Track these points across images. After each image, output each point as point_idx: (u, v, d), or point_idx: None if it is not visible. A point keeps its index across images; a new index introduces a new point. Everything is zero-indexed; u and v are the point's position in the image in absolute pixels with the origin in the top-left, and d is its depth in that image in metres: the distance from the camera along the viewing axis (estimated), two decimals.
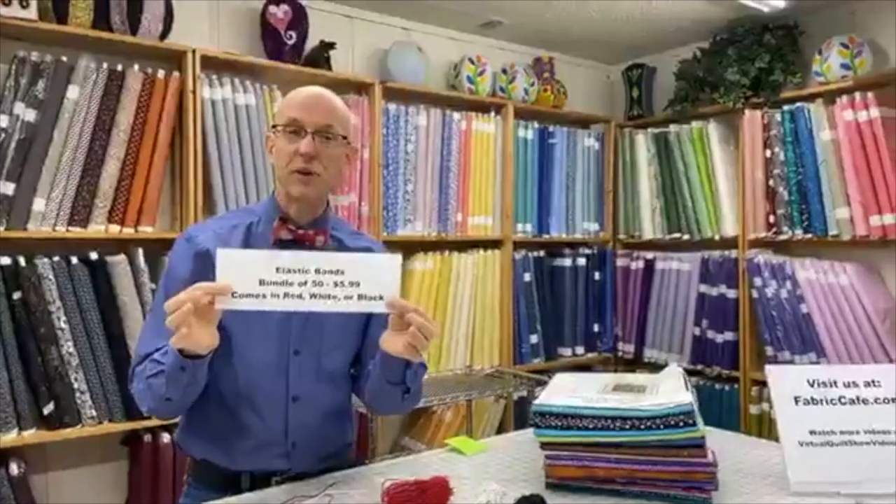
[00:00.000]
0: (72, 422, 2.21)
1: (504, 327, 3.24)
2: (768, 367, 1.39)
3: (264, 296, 1.14)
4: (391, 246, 2.89)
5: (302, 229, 1.32)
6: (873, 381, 1.34)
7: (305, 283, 1.15)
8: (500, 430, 3.17)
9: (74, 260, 2.24)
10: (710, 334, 3.21)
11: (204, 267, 1.26)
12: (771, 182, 3.01)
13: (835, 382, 1.34)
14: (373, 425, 2.52)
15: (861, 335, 2.73)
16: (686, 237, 3.36)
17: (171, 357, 1.15)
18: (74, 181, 2.25)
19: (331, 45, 2.78)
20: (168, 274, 1.33)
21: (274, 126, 1.33)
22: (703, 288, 3.26)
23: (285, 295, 1.14)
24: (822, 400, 1.33)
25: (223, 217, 1.48)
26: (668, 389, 1.32)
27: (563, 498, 1.24)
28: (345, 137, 1.34)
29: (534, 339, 3.36)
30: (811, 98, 2.90)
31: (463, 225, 3.14)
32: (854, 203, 2.75)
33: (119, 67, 2.33)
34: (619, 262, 3.67)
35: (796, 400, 1.33)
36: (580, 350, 3.54)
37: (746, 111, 3.07)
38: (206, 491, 1.30)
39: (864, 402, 1.33)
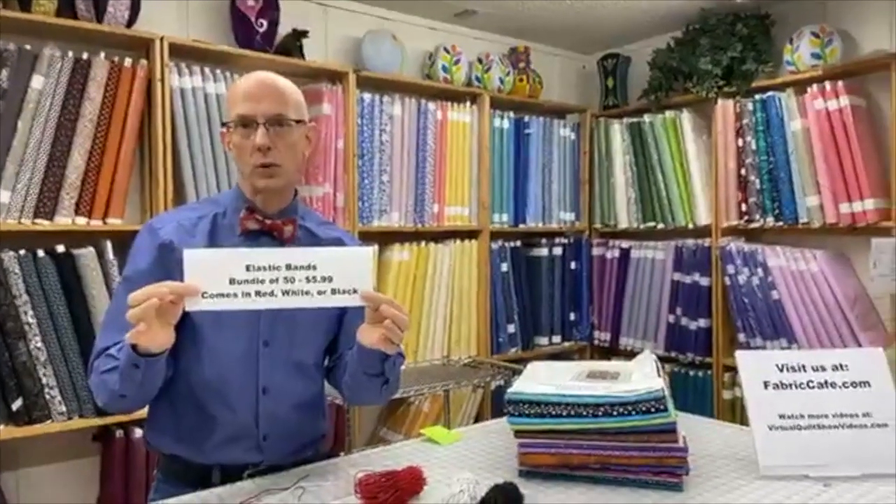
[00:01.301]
0: (41, 418, 2.16)
1: (481, 317, 3.24)
2: (738, 353, 1.40)
3: (235, 295, 1.12)
4: (367, 237, 2.90)
5: (270, 219, 1.30)
6: (841, 365, 1.36)
7: (277, 280, 1.13)
8: (478, 419, 3.18)
9: (41, 253, 2.19)
10: (684, 321, 3.25)
11: (167, 258, 1.24)
12: (743, 171, 3.04)
13: (803, 367, 1.36)
14: (349, 417, 2.51)
15: (831, 321, 2.78)
16: (660, 226, 3.39)
17: (126, 353, 1.12)
18: (40, 172, 2.20)
19: (303, 34, 2.74)
20: (130, 266, 1.30)
21: (225, 123, 1.31)
22: (677, 276, 3.29)
23: (257, 293, 1.13)
24: (791, 384, 1.35)
25: (187, 208, 1.44)
26: (641, 376, 1.32)
27: (536, 485, 1.24)
28: (299, 121, 1.31)
29: (511, 328, 3.37)
30: (782, 87, 2.93)
31: (439, 215, 3.13)
32: (824, 191, 2.79)
33: (85, 56, 2.27)
34: (595, 252, 3.70)
35: (766, 385, 1.35)
36: (557, 339, 3.56)
37: (719, 100, 3.10)
38: (177, 486, 1.28)
39: (832, 385, 1.35)
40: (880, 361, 1.37)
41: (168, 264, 1.23)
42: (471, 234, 3.25)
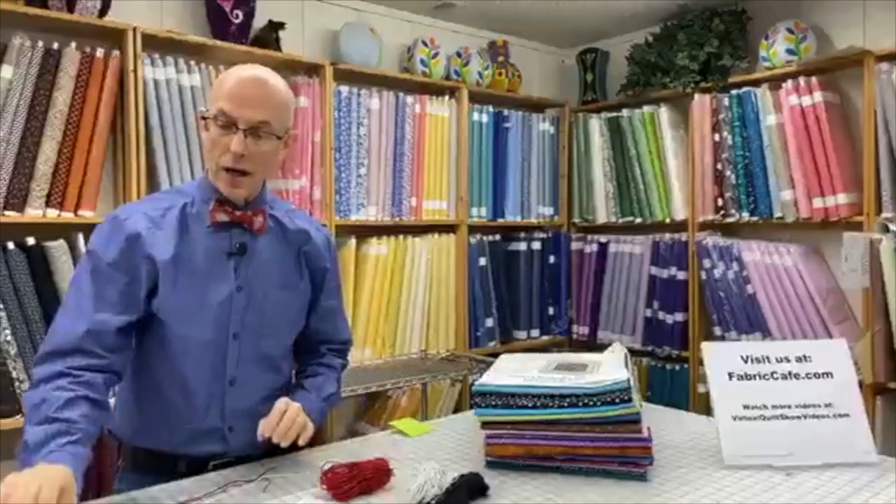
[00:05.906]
0: (11, 411, 2.13)
1: (459, 311, 3.24)
2: (704, 344, 1.42)
3: None
4: (344, 231, 2.90)
5: (240, 210, 1.30)
6: (804, 357, 1.38)
7: None
8: (456, 413, 3.18)
9: (11, 245, 2.16)
10: (661, 315, 3.27)
11: (133, 250, 1.23)
12: (719, 166, 3.06)
13: (767, 358, 1.38)
14: None
15: (804, 314, 2.81)
16: (638, 220, 3.40)
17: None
18: (10, 164, 2.16)
19: (280, 26, 2.72)
20: (94, 255, 1.25)
21: (203, 116, 1.26)
22: (655, 270, 3.31)
23: None
24: (755, 375, 1.37)
25: (152, 199, 1.40)
26: (608, 367, 1.33)
27: (502, 475, 1.25)
28: (280, 134, 1.27)
29: (489, 322, 3.38)
30: (758, 83, 2.95)
31: (417, 209, 3.13)
32: (798, 186, 2.81)
33: (55, 46, 2.24)
34: (574, 246, 3.71)
35: (730, 375, 1.37)
36: (535, 333, 3.57)
37: (696, 96, 3.11)
38: (142, 475, 1.27)
39: (796, 376, 1.37)
40: (843, 353, 1.39)
41: (134, 257, 1.22)
42: (449, 228, 3.25)
